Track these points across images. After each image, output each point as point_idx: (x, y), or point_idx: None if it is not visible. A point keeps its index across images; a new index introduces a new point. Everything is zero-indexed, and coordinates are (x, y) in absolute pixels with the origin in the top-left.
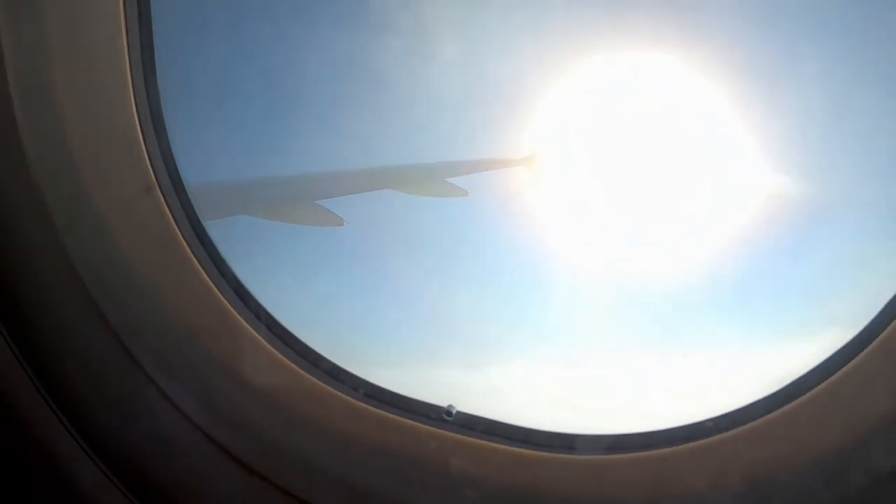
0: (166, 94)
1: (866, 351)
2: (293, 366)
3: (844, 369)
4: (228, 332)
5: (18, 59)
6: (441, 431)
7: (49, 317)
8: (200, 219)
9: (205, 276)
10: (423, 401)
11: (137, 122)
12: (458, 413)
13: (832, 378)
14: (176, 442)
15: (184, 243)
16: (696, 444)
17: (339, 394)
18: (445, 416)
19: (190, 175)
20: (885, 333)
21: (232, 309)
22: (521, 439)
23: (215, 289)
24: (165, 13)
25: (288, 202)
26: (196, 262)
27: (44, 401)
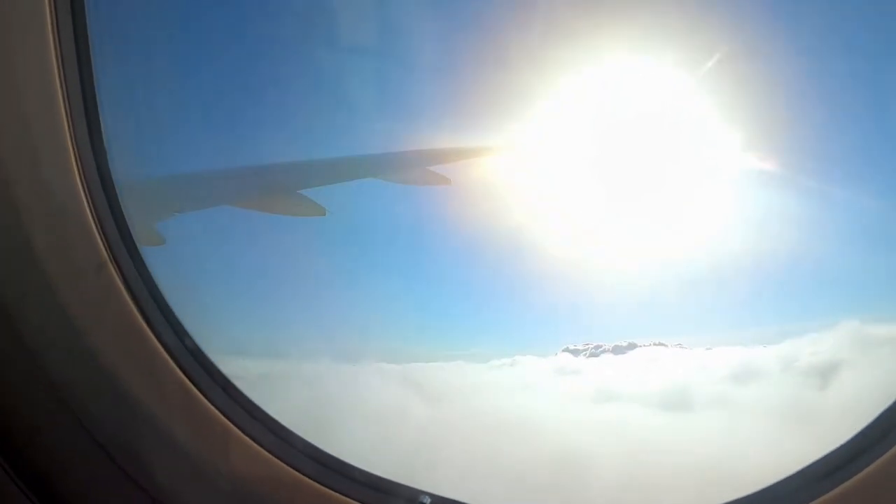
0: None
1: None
2: (262, 450)
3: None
4: (197, 416)
5: None
6: None
7: (11, 404)
8: (161, 290)
9: (167, 356)
10: (402, 484)
11: (86, 197)
12: (434, 499)
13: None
14: None
15: (142, 323)
16: None
17: (312, 482)
18: None
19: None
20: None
21: (198, 392)
22: None
23: (179, 371)
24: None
25: (270, 192)
26: (158, 344)
27: (15, 485)
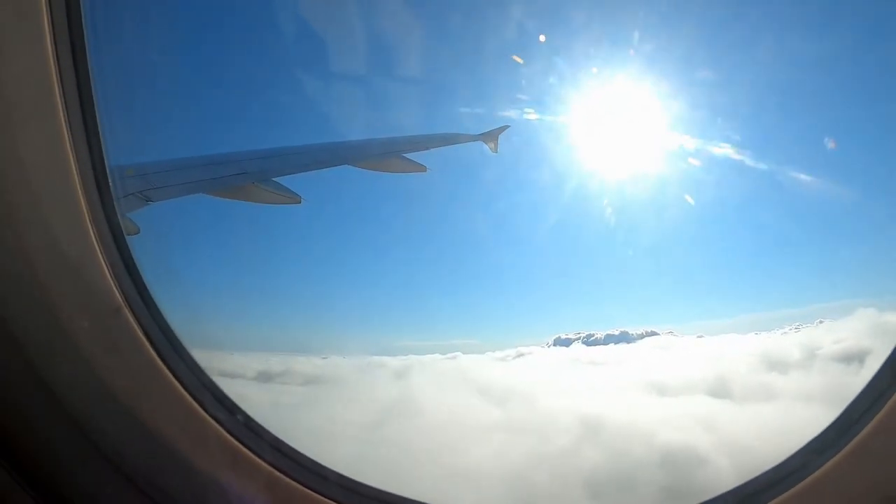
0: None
1: (842, 453)
2: (285, 478)
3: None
4: (217, 449)
5: None
6: None
7: (40, 446)
8: (175, 331)
9: (185, 393)
10: (407, 499)
11: (97, 245)
12: None
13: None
14: None
15: (159, 361)
16: None
17: (323, 498)
18: None
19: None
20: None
21: (218, 426)
22: None
23: (197, 405)
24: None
25: (245, 180)
26: (174, 380)
27: None
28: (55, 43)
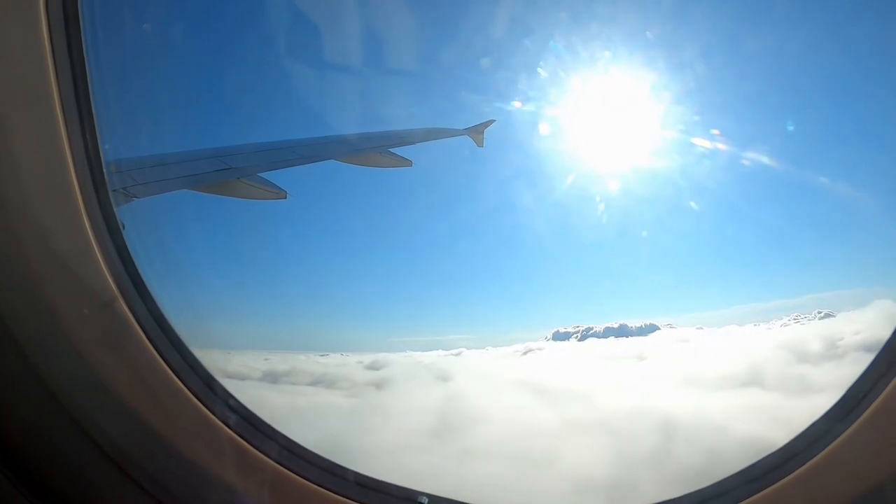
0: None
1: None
2: (284, 471)
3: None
4: (215, 441)
5: None
6: None
7: (33, 440)
8: (171, 323)
9: (182, 386)
10: (400, 486)
11: (92, 237)
12: (432, 499)
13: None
14: None
15: (155, 354)
16: None
17: (316, 486)
18: None
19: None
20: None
21: (214, 417)
22: None
23: (195, 398)
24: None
25: (230, 175)
26: (171, 373)
27: None
28: (51, 37)
